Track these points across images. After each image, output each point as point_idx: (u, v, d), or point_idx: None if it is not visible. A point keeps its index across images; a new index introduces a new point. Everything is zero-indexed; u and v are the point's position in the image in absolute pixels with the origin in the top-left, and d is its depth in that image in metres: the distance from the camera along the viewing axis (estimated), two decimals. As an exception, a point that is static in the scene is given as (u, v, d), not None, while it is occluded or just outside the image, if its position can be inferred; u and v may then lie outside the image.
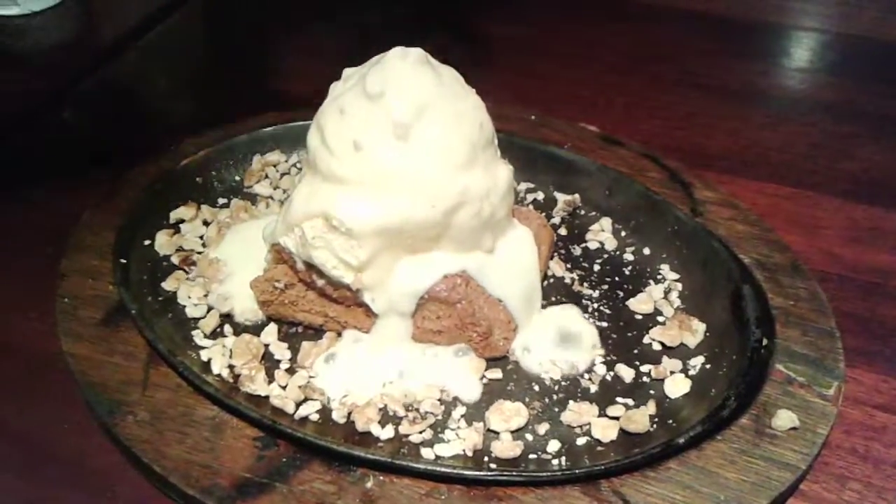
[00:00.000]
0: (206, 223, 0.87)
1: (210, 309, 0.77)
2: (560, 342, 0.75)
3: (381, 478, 0.63)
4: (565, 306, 0.79)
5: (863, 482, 0.66)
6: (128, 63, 1.23)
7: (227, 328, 0.76)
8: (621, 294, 0.81)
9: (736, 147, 1.05)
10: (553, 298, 0.80)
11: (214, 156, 0.93)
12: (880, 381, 0.74)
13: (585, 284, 0.82)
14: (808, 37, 1.30)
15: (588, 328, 0.77)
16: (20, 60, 1.25)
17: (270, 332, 0.76)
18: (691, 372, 0.72)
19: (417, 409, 0.69)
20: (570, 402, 0.70)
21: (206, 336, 0.75)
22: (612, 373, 0.73)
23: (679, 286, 0.81)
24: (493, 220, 0.73)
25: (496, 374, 0.73)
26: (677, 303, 0.79)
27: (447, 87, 0.70)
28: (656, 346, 0.75)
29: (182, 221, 0.87)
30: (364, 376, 0.72)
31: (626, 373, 0.73)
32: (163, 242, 0.84)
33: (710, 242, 0.81)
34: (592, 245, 0.86)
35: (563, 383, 0.72)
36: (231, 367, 0.72)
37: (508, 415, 0.68)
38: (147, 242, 0.84)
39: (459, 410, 0.70)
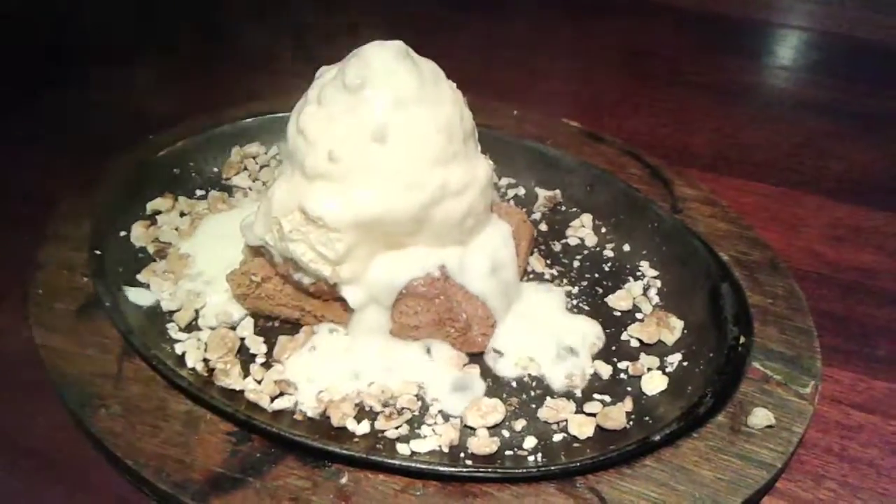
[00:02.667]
0: (182, 214, 0.86)
1: (182, 303, 0.77)
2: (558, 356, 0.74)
3: (357, 473, 0.63)
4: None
5: (838, 481, 0.66)
6: (106, 54, 1.22)
7: (202, 322, 0.75)
8: (600, 290, 0.81)
9: (719, 145, 1.05)
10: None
11: (192, 147, 0.93)
12: (857, 381, 0.74)
13: (565, 280, 0.81)
14: (793, 35, 1.31)
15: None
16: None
17: (246, 326, 0.75)
18: (668, 369, 0.72)
19: (394, 405, 0.69)
20: (548, 398, 0.70)
21: (180, 329, 0.74)
22: (589, 369, 0.73)
23: (658, 283, 0.81)
24: (472, 215, 0.72)
25: (473, 369, 0.72)
26: (656, 300, 0.79)
27: (427, 80, 0.69)
28: (634, 343, 0.75)
29: (159, 213, 0.86)
30: (340, 371, 0.71)
31: (603, 369, 0.72)
32: (139, 234, 0.83)
33: (689, 240, 0.81)
34: (573, 241, 0.86)
35: (540, 380, 0.72)
36: (206, 360, 0.71)
37: (485, 411, 0.68)
38: (123, 234, 0.83)
39: (436, 406, 0.69)
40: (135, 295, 0.77)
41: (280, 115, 0.91)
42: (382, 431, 0.67)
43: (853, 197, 0.96)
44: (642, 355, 0.73)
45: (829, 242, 0.89)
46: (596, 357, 0.73)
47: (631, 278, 0.81)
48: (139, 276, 0.79)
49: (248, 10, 1.37)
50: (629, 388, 0.71)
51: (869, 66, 1.22)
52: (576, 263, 0.84)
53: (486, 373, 0.72)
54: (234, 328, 0.74)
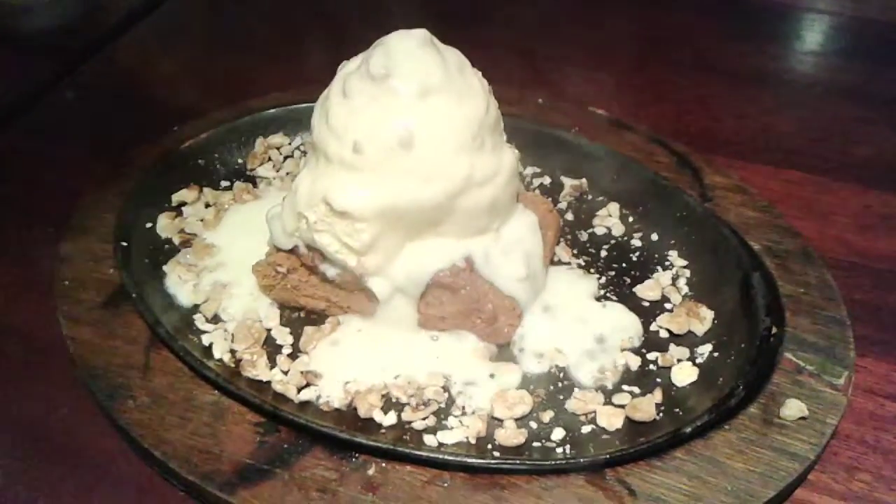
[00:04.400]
0: (208, 206, 0.86)
1: (209, 294, 0.77)
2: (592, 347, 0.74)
3: (384, 464, 0.62)
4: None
5: (872, 473, 0.65)
6: (131, 45, 1.22)
7: (229, 313, 0.75)
8: (628, 280, 0.80)
9: (746, 132, 1.04)
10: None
11: (217, 138, 0.93)
12: (891, 371, 0.72)
13: (592, 270, 0.81)
14: (821, 19, 1.28)
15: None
16: (23, 43, 1.23)
17: (272, 317, 0.75)
18: (699, 360, 0.71)
19: (421, 396, 0.68)
20: (576, 389, 0.69)
21: (207, 320, 0.74)
22: (620, 361, 0.72)
23: (687, 273, 0.80)
24: (497, 205, 0.72)
25: (500, 360, 0.72)
26: (685, 290, 0.78)
27: (452, 69, 0.69)
28: (663, 334, 0.74)
29: (184, 204, 0.86)
30: (367, 362, 0.71)
31: (632, 360, 0.72)
32: (164, 225, 0.83)
33: (719, 228, 0.80)
34: (599, 231, 0.85)
35: (567, 371, 0.71)
36: (233, 351, 0.71)
37: (512, 402, 0.67)
38: (149, 225, 0.83)
39: (463, 398, 0.69)
40: (163, 286, 0.77)
41: (304, 105, 0.91)
42: (409, 423, 0.66)
43: (883, 184, 0.94)
44: (672, 346, 0.73)
45: (859, 230, 0.88)
46: (624, 348, 0.73)
47: (659, 268, 0.80)
48: (165, 268, 0.79)
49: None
50: (659, 380, 0.70)
51: (899, 50, 1.20)
52: (603, 253, 0.83)
53: (513, 364, 0.72)
54: (260, 319, 0.74)
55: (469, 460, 0.62)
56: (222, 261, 0.79)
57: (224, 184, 0.90)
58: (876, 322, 0.77)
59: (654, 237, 0.84)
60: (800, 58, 1.20)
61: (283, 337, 0.73)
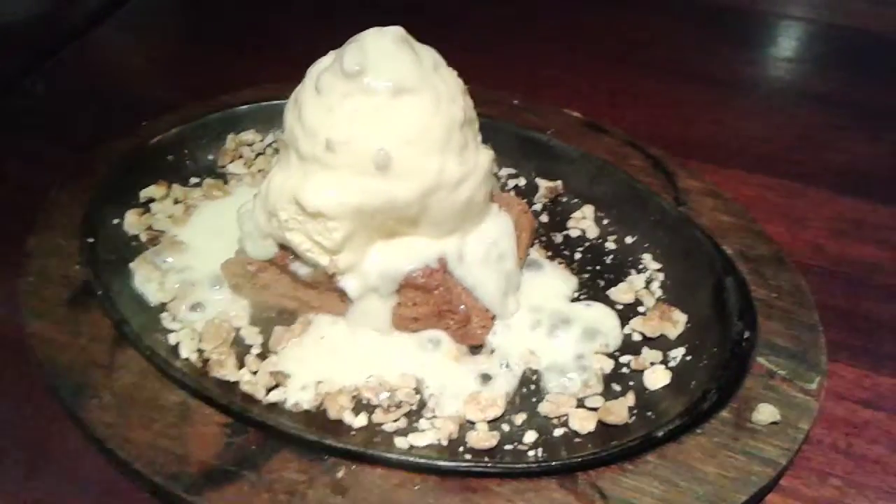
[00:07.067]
0: (177, 202, 0.85)
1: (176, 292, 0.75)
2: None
3: (354, 467, 0.61)
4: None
5: (843, 478, 0.65)
6: (101, 38, 1.21)
7: (197, 312, 0.74)
8: (602, 283, 0.79)
9: (721, 136, 1.04)
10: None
11: (187, 133, 0.91)
12: (863, 377, 0.73)
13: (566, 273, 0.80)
14: (797, 26, 1.29)
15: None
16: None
17: (241, 316, 0.74)
18: (671, 363, 0.71)
19: (392, 398, 0.68)
20: (548, 392, 0.69)
21: (174, 319, 0.73)
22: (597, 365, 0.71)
23: (661, 276, 0.79)
24: (471, 205, 0.71)
25: (473, 362, 0.71)
26: (659, 293, 0.78)
27: (426, 67, 0.68)
28: (636, 337, 0.74)
29: (152, 200, 0.85)
30: (338, 363, 0.70)
31: (605, 363, 0.71)
32: (132, 222, 0.82)
33: (692, 232, 0.79)
34: (574, 233, 0.85)
35: (540, 373, 0.71)
36: (200, 351, 0.70)
37: (484, 404, 0.67)
38: (116, 221, 0.82)
39: (434, 399, 0.68)
40: (129, 283, 0.76)
41: (276, 102, 0.90)
42: (380, 425, 0.66)
43: (856, 190, 0.94)
44: (645, 349, 0.72)
45: (831, 236, 0.88)
46: (597, 351, 0.72)
47: (633, 271, 0.80)
48: (132, 265, 0.77)
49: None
50: (631, 383, 0.70)
51: (874, 58, 1.20)
52: (577, 255, 0.82)
53: (485, 366, 0.71)
54: (229, 318, 0.73)
55: (440, 463, 0.62)
56: (191, 259, 0.78)
57: (194, 180, 0.89)
58: (848, 328, 0.77)
59: (629, 240, 0.83)
60: (775, 64, 1.21)
61: (253, 337, 0.72)
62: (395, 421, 0.66)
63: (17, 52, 1.16)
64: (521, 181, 0.91)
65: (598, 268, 0.81)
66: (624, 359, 0.72)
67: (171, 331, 0.72)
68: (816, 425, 0.66)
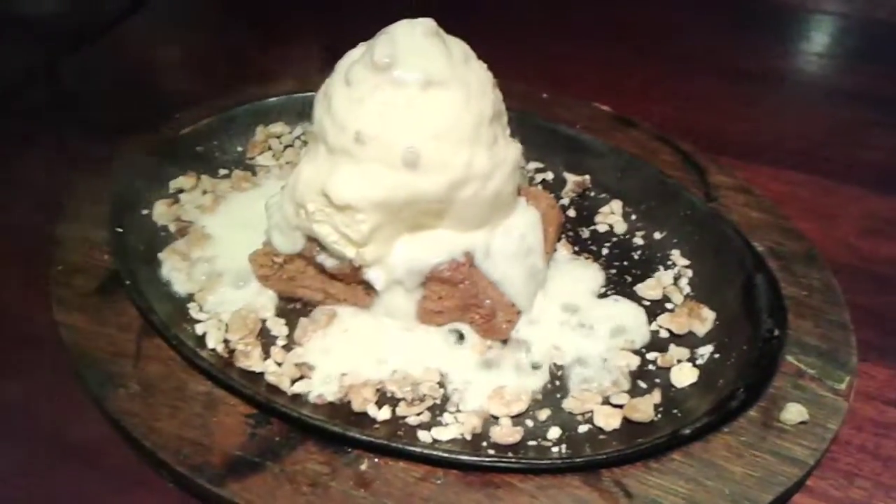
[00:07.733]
0: (205, 193, 0.85)
1: (204, 283, 0.76)
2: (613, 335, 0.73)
3: (377, 460, 0.61)
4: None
5: (871, 480, 0.64)
6: (132, 30, 1.21)
7: (224, 302, 0.74)
8: (629, 279, 0.79)
9: (752, 132, 1.03)
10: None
11: (217, 125, 0.92)
12: (893, 377, 0.72)
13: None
14: (829, 21, 1.27)
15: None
16: (20, 28, 1.22)
17: (268, 308, 0.74)
18: (699, 361, 0.70)
19: (416, 391, 0.67)
20: (573, 388, 0.68)
21: (201, 309, 0.73)
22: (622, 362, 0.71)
23: (689, 272, 0.79)
24: (498, 199, 0.71)
25: (498, 357, 0.71)
26: (687, 290, 0.77)
27: (457, 60, 0.68)
28: (664, 334, 0.73)
29: (182, 191, 0.85)
30: (362, 355, 0.70)
31: (631, 360, 0.71)
32: (161, 212, 0.82)
33: (723, 229, 0.79)
34: (601, 228, 0.84)
35: (565, 369, 0.70)
36: (226, 341, 0.70)
37: (509, 399, 0.66)
38: (145, 212, 0.82)
39: (458, 394, 0.68)
40: (157, 273, 0.76)
41: (305, 94, 0.90)
42: (404, 418, 0.66)
43: (888, 188, 0.93)
44: (672, 346, 0.72)
45: (863, 234, 0.87)
46: (623, 347, 0.72)
47: (661, 267, 0.80)
48: (160, 255, 0.78)
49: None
50: (658, 380, 0.69)
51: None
52: (604, 251, 0.82)
53: (511, 361, 0.71)
54: (255, 310, 0.73)
55: (463, 458, 0.61)
56: (219, 249, 0.78)
57: (223, 172, 0.89)
58: (878, 327, 0.76)
59: (657, 236, 0.83)
60: (807, 59, 1.20)
61: (278, 328, 0.73)
62: (419, 414, 0.66)
63: (49, 43, 1.16)
64: (549, 175, 0.91)
65: (625, 263, 0.80)
66: (651, 356, 0.71)
67: (198, 321, 0.72)
68: (845, 426, 0.65)
